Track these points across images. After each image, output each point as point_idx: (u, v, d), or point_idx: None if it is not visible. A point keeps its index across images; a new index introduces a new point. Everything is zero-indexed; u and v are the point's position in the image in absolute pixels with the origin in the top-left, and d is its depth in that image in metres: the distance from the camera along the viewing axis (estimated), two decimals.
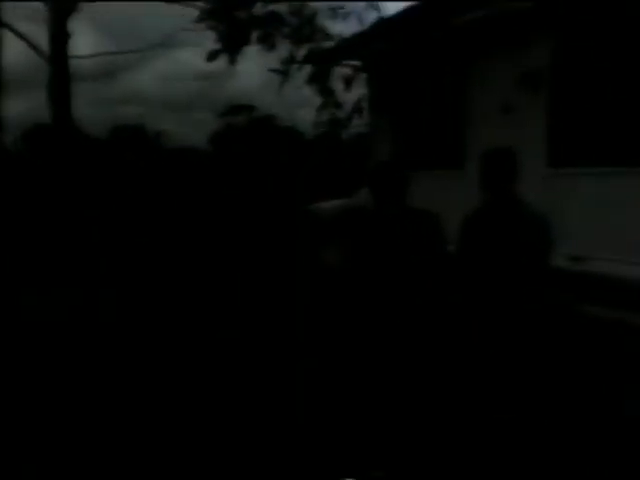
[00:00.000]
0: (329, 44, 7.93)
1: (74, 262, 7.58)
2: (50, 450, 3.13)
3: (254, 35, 7.58)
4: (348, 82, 6.95)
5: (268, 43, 7.53)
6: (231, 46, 7.04)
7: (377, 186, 2.88)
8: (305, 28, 7.25)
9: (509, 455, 2.67)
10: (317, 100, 7.96)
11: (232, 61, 7.26)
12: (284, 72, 7.27)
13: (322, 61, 7.08)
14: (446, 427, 2.77)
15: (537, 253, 2.89)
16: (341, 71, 7.39)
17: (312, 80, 7.30)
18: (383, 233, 2.88)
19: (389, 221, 2.88)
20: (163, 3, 9.78)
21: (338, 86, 7.15)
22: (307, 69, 7.67)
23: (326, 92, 7.37)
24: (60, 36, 9.52)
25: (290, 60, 7.02)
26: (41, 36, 9.66)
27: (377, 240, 2.88)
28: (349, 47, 8.43)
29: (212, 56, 7.25)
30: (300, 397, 3.53)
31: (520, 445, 2.67)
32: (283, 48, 7.67)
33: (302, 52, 7.87)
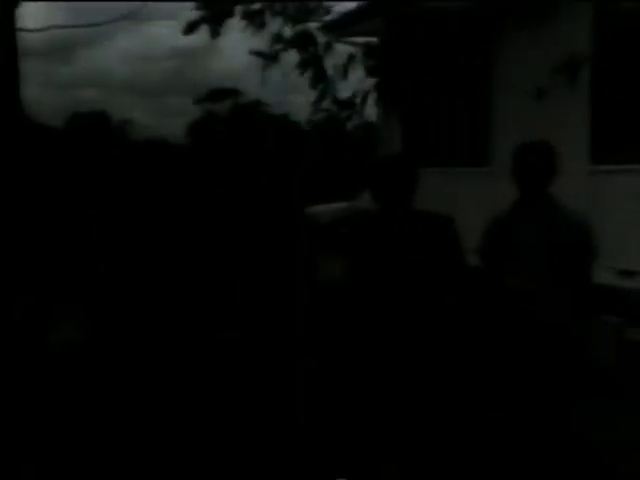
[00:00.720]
0: (325, 19, 7.91)
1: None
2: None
3: (240, 10, 7.55)
4: (346, 66, 6.90)
5: (256, 21, 7.46)
6: (214, 16, 6.98)
7: (379, 185, 2.87)
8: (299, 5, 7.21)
9: (506, 454, 2.96)
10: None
11: (215, 34, 7.21)
12: (270, 56, 7.20)
13: (314, 42, 7.05)
14: (444, 427, 2.94)
15: (575, 264, 2.89)
16: (339, 52, 7.33)
17: (304, 65, 7.23)
18: (387, 242, 2.87)
19: (395, 227, 2.88)
20: None
21: (335, 70, 7.08)
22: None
23: (321, 81, 7.30)
24: (6, 4, 9.52)
25: (277, 39, 6.96)
26: None
27: (381, 250, 2.87)
28: (349, 23, 8.45)
29: (191, 28, 7.17)
30: (300, 397, 3.92)
31: (516, 444, 2.93)
32: (274, 24, 7.64)
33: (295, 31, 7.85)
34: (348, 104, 6.89)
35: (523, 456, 2.91)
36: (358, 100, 6.89)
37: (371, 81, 7.68)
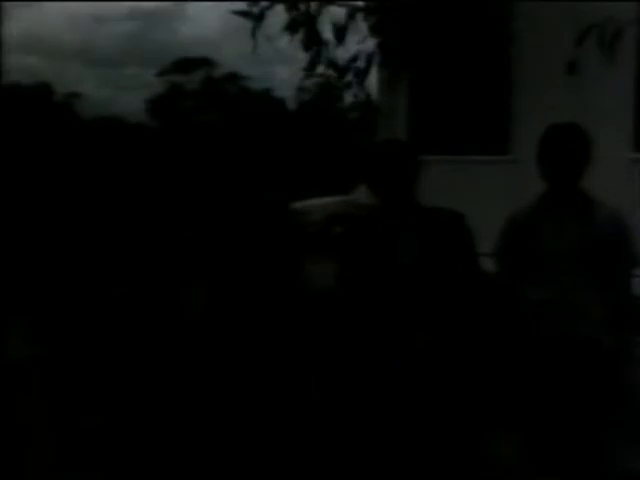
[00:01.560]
0: None
1: None
2: None
3: None
4: (342, 30, 6.92)
5: None
6: None
7: (377, 176, 2.87)
8: None
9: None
10: (301, 55, 7.86)
11: None
12: (255, 15, 7.21)
13: None
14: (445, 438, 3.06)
15: (612, 271, 2.90)
16: (335, 14, 7.36)
17: (293, 26, 7.25)
18: (388, 242, 2.88)
19: (396, 225, 2.89)
20: None
21: (330, 36, 7.09)
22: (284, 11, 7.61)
23: (314, 43, 7.33)
24: None
25: None
26: None
27: (380, 252, 2.88)
28: None
29: None
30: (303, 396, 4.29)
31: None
32: None
33: None
34: (351, 61, 6.83)
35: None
36: (360, 64, 6.85)
37: (373, 45, 7.69)
